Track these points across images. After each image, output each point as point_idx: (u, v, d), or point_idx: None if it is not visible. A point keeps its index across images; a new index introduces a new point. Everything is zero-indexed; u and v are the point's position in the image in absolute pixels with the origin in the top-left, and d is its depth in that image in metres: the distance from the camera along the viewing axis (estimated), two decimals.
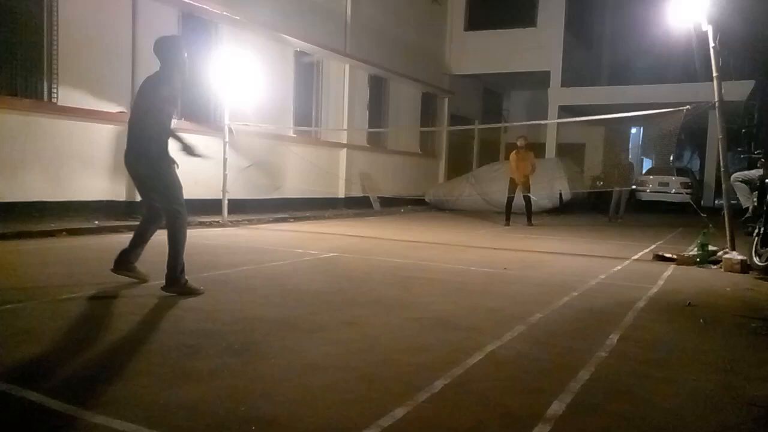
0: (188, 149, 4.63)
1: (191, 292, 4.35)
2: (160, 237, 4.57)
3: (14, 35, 8.12)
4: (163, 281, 4.37)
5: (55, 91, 8.49)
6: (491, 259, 6.98)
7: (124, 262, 4.64)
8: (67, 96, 8.56)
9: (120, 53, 9.17)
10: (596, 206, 17.56)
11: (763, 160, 6.65)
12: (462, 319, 3.94)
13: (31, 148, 8.27)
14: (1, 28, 7.93)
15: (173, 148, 4.51)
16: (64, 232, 7.48)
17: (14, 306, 3.89)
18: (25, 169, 8.22)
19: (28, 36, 8.26)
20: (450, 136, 19.86)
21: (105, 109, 9.07)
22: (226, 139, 10.02)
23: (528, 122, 18.30)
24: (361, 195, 15.09)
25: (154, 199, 4.56)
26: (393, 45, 16.31)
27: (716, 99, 6.92)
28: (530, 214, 11.94)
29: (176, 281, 4.35)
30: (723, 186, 7.01)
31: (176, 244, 4.38)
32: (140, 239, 4.69)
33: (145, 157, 4.40)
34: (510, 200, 11.90)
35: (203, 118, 10.88)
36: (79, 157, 8.72)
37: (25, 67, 8.30)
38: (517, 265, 6.54)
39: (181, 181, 4.51)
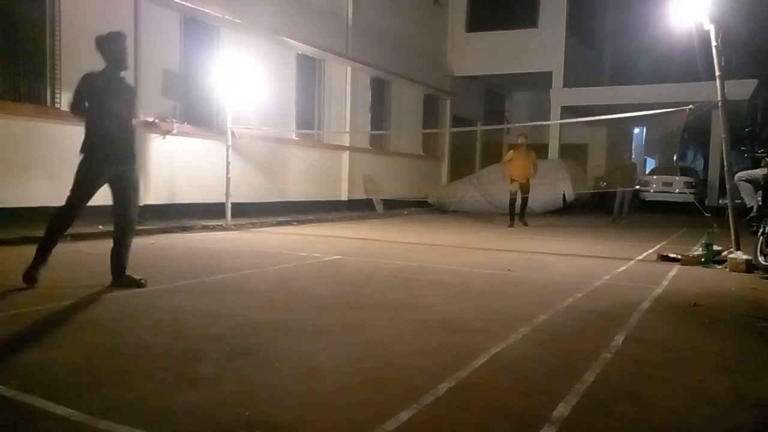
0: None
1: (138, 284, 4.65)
2: (162, 241, 4.57)
3: (17, 41, 8.15)
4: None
5: (58, 96, 8.52)
6: (495, 261, 6.96)
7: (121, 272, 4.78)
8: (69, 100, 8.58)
9: None
10: (600, 207, 17.51)
11: (767, 158, 6.62)
12: (466, 321, 3.93)
13: (35, 153, 8.30)
14: (4, 34, 7.96)
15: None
16: (68, 237, 7.48)
17: (19, 311, 3.89)
18: (29, 175, 8.24)
19: (30, 42, 8.29)
20: (452, 137, 19.84)
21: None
22: (229, 143, 10.03)
23: (530, 123, 18.27)
24: (364, 197, 15.08)
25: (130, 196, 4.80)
26: (395, 47, 16.32)
27: (719, 98, 6.90)
28: (524, 212, 11.84)
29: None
30: (727, 185, 6.99)
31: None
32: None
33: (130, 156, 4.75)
34: (513, 200, 11.74)
35: (206, 122, 10.90)
36: None
37: (28, 73, 8.32)
38: (520, 266, 6.53)
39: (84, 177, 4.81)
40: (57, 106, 8.52)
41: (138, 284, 4.71)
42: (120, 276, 4.76)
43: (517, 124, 20.09)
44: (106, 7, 8.99)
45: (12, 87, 8.13)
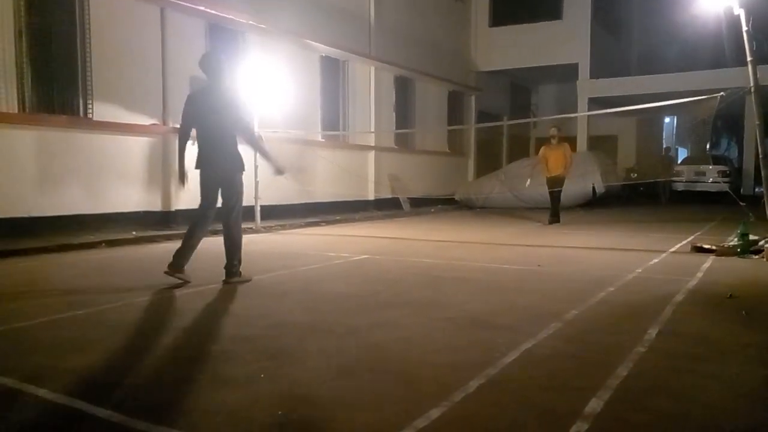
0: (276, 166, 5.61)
1: (245, 280, 5.13)
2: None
3: (50, 54, 8.38)
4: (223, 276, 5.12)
5: (90, 106, 8.73)
6: (524, 257, 6.91)
7: (178, 264, 5.05)
8: (101, 111, 8.80)
9: (150, 67, 9.38)
10: (630, 199, 17.25)
11: None
12: (496, 317, 3.92)
13: (70, 163, 8.53)
14: (38, 47, 8.19)
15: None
16: (103, 244, 7.69)
17: (58, 317, 4.02)
18: (65, 184, 8.47)
19: (62, 54, 8.52)
20: (478, 133, 19.72)
21: (138, 122, 9.30)
22: None
23: (557, 116, 18.05)
24: (391, 196, 15.10)
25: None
26: (417, 45, 16.30)
27: (752, 84, 6.73)
28: (554, 212, 11.13)
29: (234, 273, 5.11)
30: (762, 173, 6.81)
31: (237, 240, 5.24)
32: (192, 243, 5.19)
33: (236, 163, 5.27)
34: (553, 195, 11.06)
35: None
36: (115, 170, 8.96)
37: (61, 85, 8.56)
38: (550, 261, 6.47)
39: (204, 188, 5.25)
40: (89, 116, 8.74)
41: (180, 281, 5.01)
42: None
43: (544, 118, 19.85)
44: (134, 18, 9.19)
45: (46, 99, 8.37)
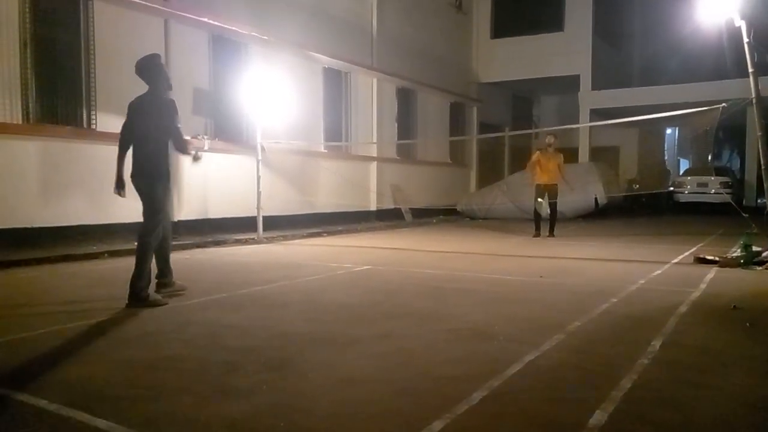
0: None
1: (156, 304, 4.64)
2: (197, 256, 4.66)
3: (54, 65, 8.44)
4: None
5: (94, 117, 8.78)
6: (526, 268, 6.90)
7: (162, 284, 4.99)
8: (105, 122, 8.83)
9: None
10: (633, 210, 17.25)
11: None
12: (498, 329, 3.90)
13: (73, 173, 8.56)
14: (42, 58, 8.25)
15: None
16: (106, 254, 7.69)
17: (60, 328, 4.01)
18: (68, 194, 8.50)
19: (67, 65, 8.58)
20: (480, 144, 19.75)
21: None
22: (259, 157, 10.18)
23: (559, 127, 18.08)
24: (393, 207, 15.11)
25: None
26: (419, 56, 16.38)
27: (753, 95, 6.75)
28: (554, 224, 10.78)
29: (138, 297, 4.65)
30: (765, 184, 6.80)
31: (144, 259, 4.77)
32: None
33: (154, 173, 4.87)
34: (537, 206, 10.80)
35: (236, 137, 11.09)
36: None
37: (65, 96, 8.61)
38: (553, 272, 6.45)
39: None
40: (93, 127, 8.78)
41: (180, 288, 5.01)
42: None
43: (546, 129, 19.88)
44: (138, 30, 9.26)
45: (50, 110, 8.41)
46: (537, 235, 10.69)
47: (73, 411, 2.51)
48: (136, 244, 4.89)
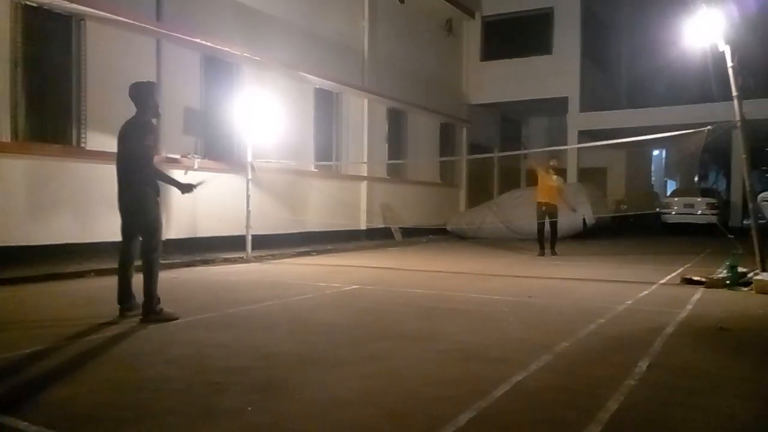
0: (181, 187, 5.33)
1: (168, 319, 4.75)
2: (185, 275, 4.64)
3: (44, 84, 8.43)
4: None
5: (83, 136, 8.76)
6: (515, 288, 6.91)
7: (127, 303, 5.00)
8: (95, 140, 8.82)
9: None
10: (620, 231, 17.38)
11: None
12: (487, 349, 3.90)
13: (62, 191, 8.51)
14: (33, 77, 8.25)
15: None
16: (92, 273, 7.63)
17: (45, 347, 3.96)
18: (56, 213, 8.44)
19: (57, 83, 8.57)
20: (470, 164, 19.88)
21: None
22: (249, 177, 10.18)
23: (547, 148, 18.26)
24: (383, 226, 15.12)
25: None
26: (410, 78, 16.54)
27: (738, 118, 6.87)
28: (554, 242, 11.30)
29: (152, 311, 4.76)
30: (749, 206, 6.90)
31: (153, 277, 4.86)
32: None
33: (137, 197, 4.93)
34: (541, 226, 11.22)
35: (227, 156, 11.10)
36: (106, 200, 8.79)
37: (55, 114, 8.59)
38: (541, 292, 6.47)
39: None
40: (83, 145, 8.75)
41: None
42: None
43: (534, 150, 20.08)
44: (130, 49, 9.29)
45: (40, 128, 8.38)
46: (542, 254, 11.04)
47: None
48: (141, 262, 4.96)
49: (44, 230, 8.27)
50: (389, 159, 15.85)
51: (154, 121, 5.22)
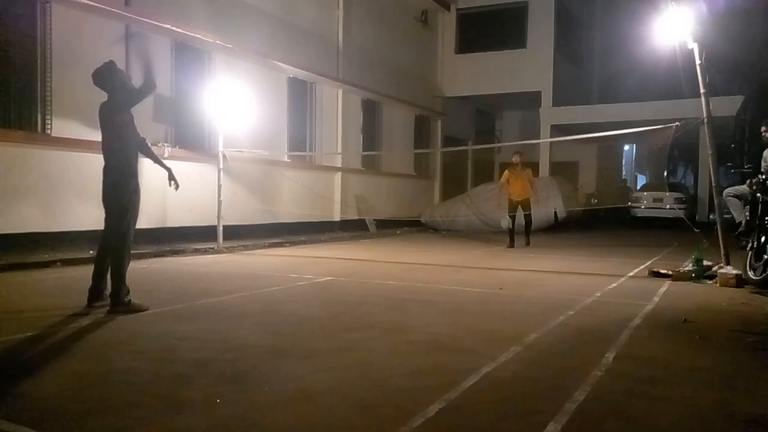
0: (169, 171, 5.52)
1: (137, 309, 4.69)
2: (155, 266, 4.57)
3: (8, 68, 8.17)
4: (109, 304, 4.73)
5: (49, 122, 8.53)
6: (487, 280, 6.97)
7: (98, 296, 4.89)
8: (61, 127, 8.60)
9: None
10: (591, 224, 17.64)
11: (752, 178, 6.67)
12: (457, 341, 3.93)
13: (25, 179, 8.28)
14: None
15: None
16: (58, 263, 7.46)
17: (7, 339, 3.86)
18: (19, 201, 8.21)
19: (21, 68, 8.31)
20: (444, 157, 19.96)
21: (98, 139, 9.09)
22: (221, 166, 10.05)
23: (520, 142, 18.41)
24: (357, 218, 15.10)
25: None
26: (385, 69, 16.49)
27: (704, 115, 7.00)
28: (529, 234, 11.53)
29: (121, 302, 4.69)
30: (715, 201, 7.05)
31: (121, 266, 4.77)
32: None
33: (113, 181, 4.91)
34: (512, 220, 11.37)
35: (198, 145, 10.93)
36: (73, 188, 8.72)
37: (19, 100, 8.33)
38: (512, 284, 6.53)
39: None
40: (48, 132, 8.52)
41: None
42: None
43: (508, 143, 20.24)
44: (97, 34, 9.05)
45: (2, 114, 8.13)
46: (511, 246, 11.24)
47: (18, 427, 2.42)
48: (108, 249, 4.88)
49: (7, 219, 8.05)
50: (364, 150, 15.81)
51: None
